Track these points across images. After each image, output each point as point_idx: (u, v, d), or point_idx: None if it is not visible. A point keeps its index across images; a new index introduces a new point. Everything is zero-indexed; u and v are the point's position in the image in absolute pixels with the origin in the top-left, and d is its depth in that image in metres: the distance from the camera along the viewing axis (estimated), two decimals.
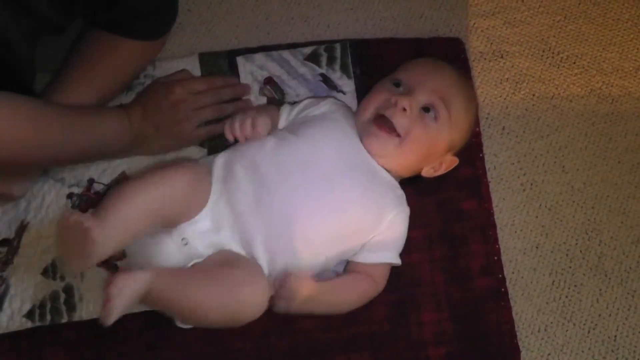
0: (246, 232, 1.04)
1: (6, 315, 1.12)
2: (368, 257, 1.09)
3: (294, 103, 1.19)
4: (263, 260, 1.04)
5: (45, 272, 1.14)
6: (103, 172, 1.18)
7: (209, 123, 1.18)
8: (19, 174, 1.14)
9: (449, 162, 1.14)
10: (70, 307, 1.13)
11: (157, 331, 1.12)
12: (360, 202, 1.07)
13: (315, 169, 1.06)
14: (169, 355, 1.12)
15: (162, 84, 1.18)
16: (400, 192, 1.12)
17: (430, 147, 1.10)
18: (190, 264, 1.04)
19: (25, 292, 1.13)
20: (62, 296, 1.13)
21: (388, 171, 1.11)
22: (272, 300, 1.02)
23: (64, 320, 1.12)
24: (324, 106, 1.16)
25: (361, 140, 1.10)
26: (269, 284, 1.02)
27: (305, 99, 1.20)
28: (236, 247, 1.05)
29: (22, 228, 1.16)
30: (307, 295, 0.99)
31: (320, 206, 1.05)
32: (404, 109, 1.07)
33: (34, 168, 1.15)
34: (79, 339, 1.12)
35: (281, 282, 0.99)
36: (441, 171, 1.14)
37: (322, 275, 1.10)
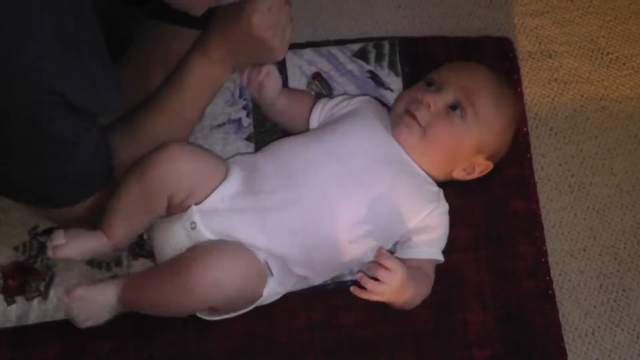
0: (272, 224, 1.04)
1: (52, 304, 1.13)
2: (416, 253, 1.09)
3: (331, 98, 1.19)
4: (281, 247, 1.05)
5: (90, 262, 1.15)
6: None
7: None
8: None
9: (483, 166, 1.13)
10: None
11: (200, 324, 1.12)
12: (393, 194, 1.07)
13: (347, 162, 1.06)
14: (213, 347, 1.12)
15: (237, 18, 1.02)
16: (435, 189, 1.12)
17: (455, 145, 1.09)
18: None
19: (70, 281, 1.14)
20: None
21: (422, 169, 1.11)
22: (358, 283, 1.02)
23: None
24: (357, 103, 1.16)
25: (392, 131, 1.10)
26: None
27: (339, 95, 1.20)
28: (245, 235, 1.04)
29: None
30: (402, 279, 1.01)
31: (352, 199, 1.05)
32: (429, 105, 1.08)
33: None
34: (124, 329, 1.12)
35: (377, 258, 1.01)
36: (475, 175, 1.13)
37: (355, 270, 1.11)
